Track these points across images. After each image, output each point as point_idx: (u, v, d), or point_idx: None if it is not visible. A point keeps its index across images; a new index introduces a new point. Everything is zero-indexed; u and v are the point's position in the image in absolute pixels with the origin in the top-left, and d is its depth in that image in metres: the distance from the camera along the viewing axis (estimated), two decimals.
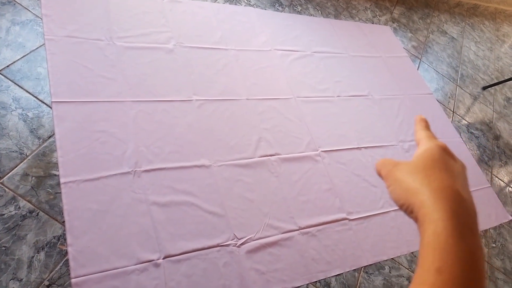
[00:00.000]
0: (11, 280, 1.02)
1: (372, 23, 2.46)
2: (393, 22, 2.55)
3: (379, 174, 0.40)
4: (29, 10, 1.50)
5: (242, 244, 1.33)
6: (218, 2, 2.01)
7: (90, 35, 1.55)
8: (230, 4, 2.04)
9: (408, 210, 0.34)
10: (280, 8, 2.18)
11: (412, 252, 1.61)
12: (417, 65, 2.38)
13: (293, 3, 2.26)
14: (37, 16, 1.50)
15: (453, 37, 2.78)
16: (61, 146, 1.26)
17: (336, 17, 2.37)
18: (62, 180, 1.20)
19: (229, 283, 1.24)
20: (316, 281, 1.36)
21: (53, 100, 1.34)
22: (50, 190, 1.18)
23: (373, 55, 2.34)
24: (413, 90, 2.31)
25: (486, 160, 2.29)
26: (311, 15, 2.28)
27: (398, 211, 1.69)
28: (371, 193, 1.70)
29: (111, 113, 1.40)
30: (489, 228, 1.93)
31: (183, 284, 1.19)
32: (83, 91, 1.40)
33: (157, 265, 1.18)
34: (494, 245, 1.89)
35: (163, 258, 1.20)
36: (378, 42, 2.43)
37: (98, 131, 1.34)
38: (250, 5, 2.10)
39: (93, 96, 1.41)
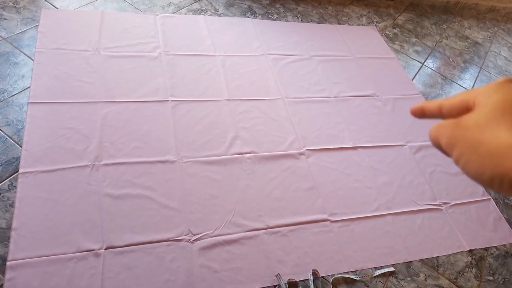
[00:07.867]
0: None
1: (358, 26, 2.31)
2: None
3: (438, 146, 0.26)
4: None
5: (196, 240, 1.24)
6: (209, 15, 2.05)
7: (77, 47, 1.67)
8: (221, 16, 2.07)
9: (508, 183, 0.21)
10: (252, 17, 2.14)
11: (408, 262, 1.36)
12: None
13: (268, 11, 2.21)
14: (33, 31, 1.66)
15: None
16: (27, 141, 1.33)
17: (320, 23, 2.26)
18: (20, 171, 1.25)
19: (174, 279, 1.15)
20: (276, 285, 1.20)
21: (29, 102, 1.44)
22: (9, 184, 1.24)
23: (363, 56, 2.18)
24: (399, 91, 2.09)
25: None
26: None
27: (396, 215, 1.47)
28: (364, 195, 1.51)
29: (81, 112, 1.46)
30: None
31: (122, 276, 1.12)
32: (59, 93, 1.49)
33: (97, 255, 1.14)
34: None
35: (105, 249, 1.16)
36: (360, 44, 2.26)
37: (65, 128, 1.39)
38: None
39: (68, 98, 1.48)
